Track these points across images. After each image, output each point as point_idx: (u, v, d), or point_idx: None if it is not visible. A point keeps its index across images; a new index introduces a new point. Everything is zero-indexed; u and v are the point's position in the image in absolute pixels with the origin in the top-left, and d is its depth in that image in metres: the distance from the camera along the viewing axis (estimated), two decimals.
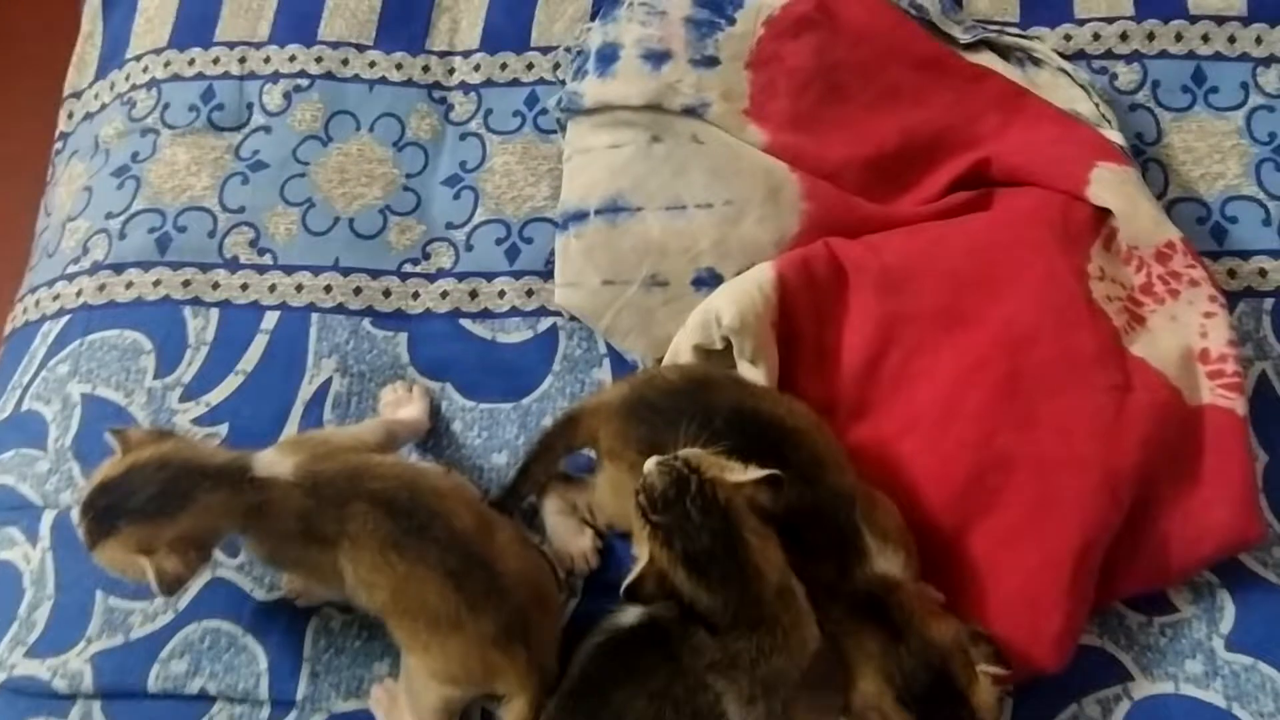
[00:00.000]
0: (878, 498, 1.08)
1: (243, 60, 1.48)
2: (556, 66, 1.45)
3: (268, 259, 1.36)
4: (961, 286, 1.18)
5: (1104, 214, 1.21)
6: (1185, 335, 1.17)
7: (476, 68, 1.47)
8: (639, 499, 0.95)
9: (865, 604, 0.99)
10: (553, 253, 1.31)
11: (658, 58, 1.30)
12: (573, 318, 1.30)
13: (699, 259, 1.26)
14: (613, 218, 1.27)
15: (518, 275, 1.34)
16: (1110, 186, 1.20)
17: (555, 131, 1.40)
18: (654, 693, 0.98)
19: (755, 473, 0.95)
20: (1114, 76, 1.39)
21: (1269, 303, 1.26)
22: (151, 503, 0.99)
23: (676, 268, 1.26)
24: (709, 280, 1.25)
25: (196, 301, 1.34)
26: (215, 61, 1.49)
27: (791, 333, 1.21)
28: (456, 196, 1.39)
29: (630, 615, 1.03)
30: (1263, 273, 1.28)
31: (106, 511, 0.99)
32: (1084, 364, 1.12)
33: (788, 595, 0.95)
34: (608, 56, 1.32)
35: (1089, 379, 1.12)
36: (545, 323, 1.31)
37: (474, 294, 1.33)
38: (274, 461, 1.06)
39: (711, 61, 1.30)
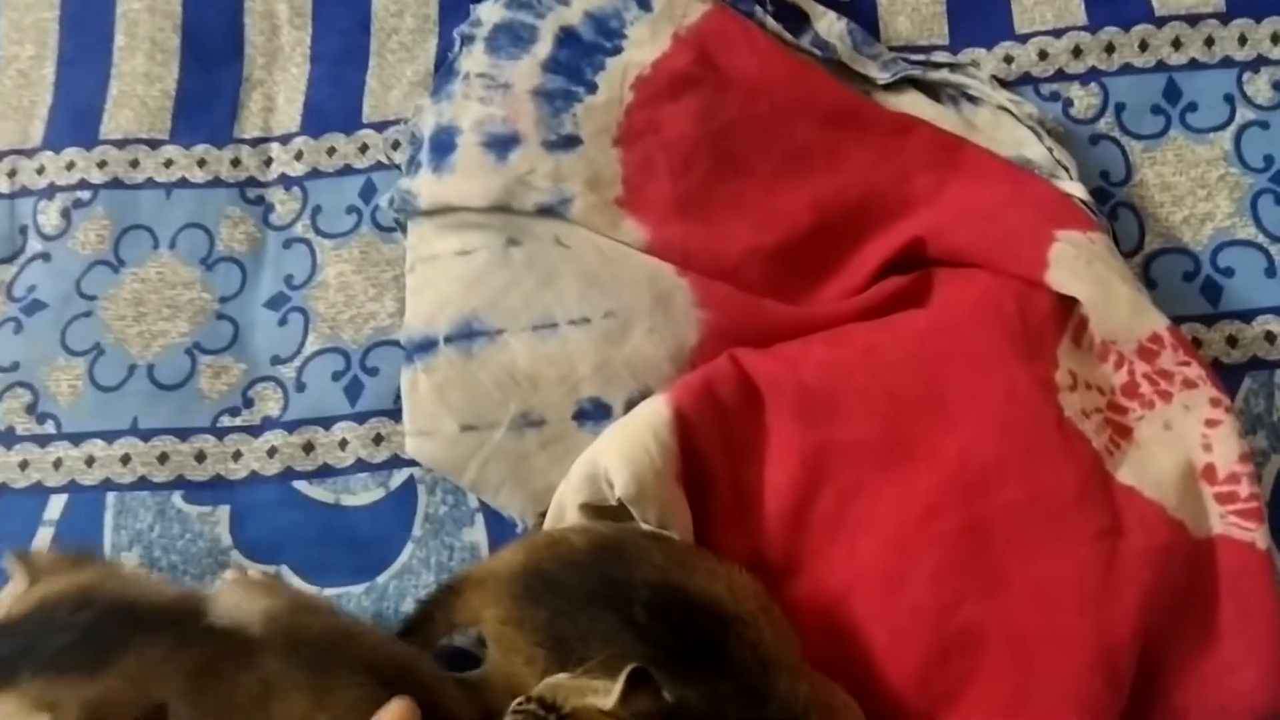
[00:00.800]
0: (838, 707, 0.85)
1: (12, 174, 1.21)
2: (396, 145, 1.19)
3: (49, 427, 1.10)
4: (902, 410, 0.94)
5: (1069, 301, 0.96)
6: (1184, 449, 0.93)
7: (298, 155, 1.20)
8: None
9: None
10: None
11: (503, 143, 1.04)
12: (430, 469, 1.05)
13: (579, 388, 1.01)
14: (467, 345, 1.02)
15: (361, 418, 1.09)
16: (1075, 267, 0.95)
17: (397, 229, 1.15)
18: None
19: (617, 686, 0.72)
20: (1068, 103, 1.15)
21: None
22: (66, 653, 0.77)
23: (552, 401, 1.01)
24: (593, 413, 1.01)
25: None
26: None
27: (701, 477, 0.97)
28: (282, 322, 1.14)
29: None
30: (1270, 337, 1.05)
31: (5, 660, 0.77)
32: (1062, 507, 0.89)
33: None
34: (443, 145, 1.06)
35: (1069, 527, 0.88)
36: (399, 476, 1.06)
37: (309, 447, 1.08)
38: (236, 605, 0.83)
39: (571, 142, 1.05)
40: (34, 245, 1.18)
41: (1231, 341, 1.05)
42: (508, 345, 1.02)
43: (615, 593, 0.84)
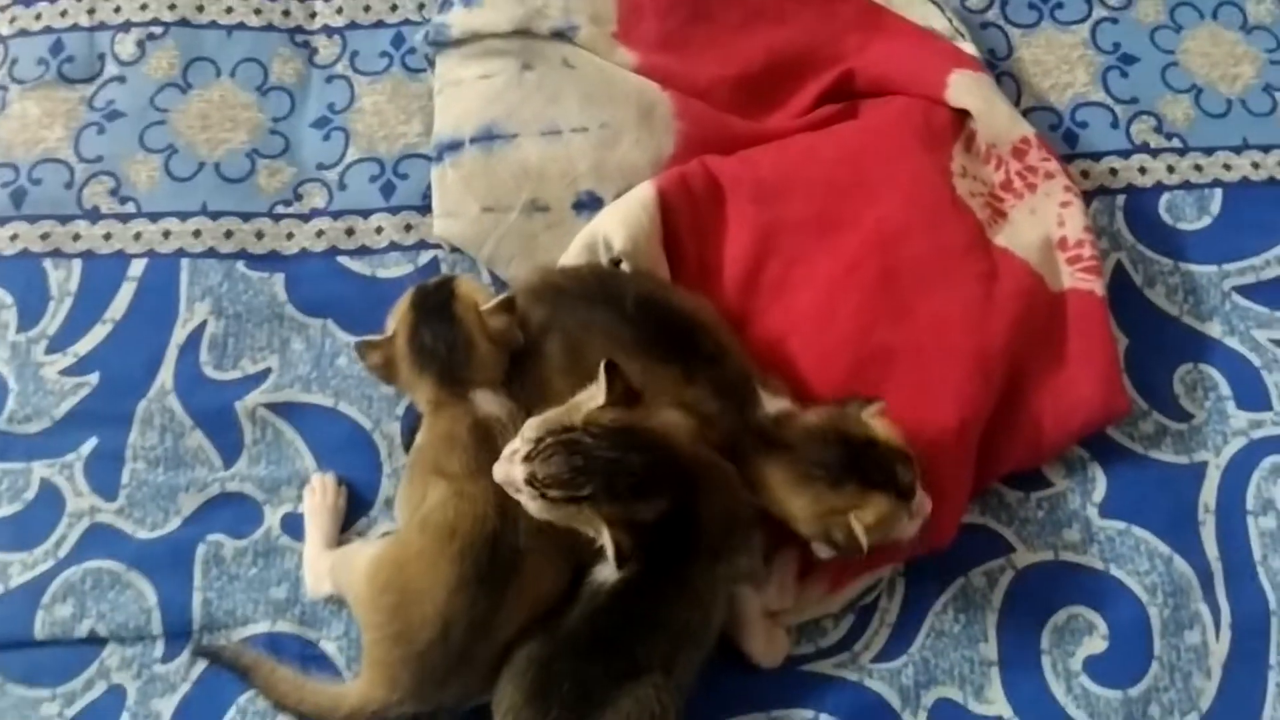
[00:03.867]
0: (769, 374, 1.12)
1: (91, 11, 1.43)
2: (421, 6, 1.44)
3: (130, 207, 1.31)
4: (834, 193, 1.22)
5: (963, 116, 1.25)
6: (1044, 225, 1.22)
7: (339, 10, 1.45)
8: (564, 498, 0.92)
9: (763, 437, 1.02)
10: (429, 188, 1.30)
11: None
12: (454, 249, 1.29)
13: (578, 182, 1.26)
14: (489, 145, 1.27)
15: (394, 211, 1.32)
16: (967, 89, 1.25)
17: (424, 70, 1.39)
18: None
19: (600, 383, 0.94)
20: None
21: (1121, 199, 1.33)
22: None
23: (556, 192, 1.26)
24: (589, 204, 1.26)
25: (57, 254, 1.29)
26: (63, 14, 1.43)
27: (673, 250, 1.22)
28: (326, 138, 1.37)
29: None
30: (1113, 171, 1.35)
31: None
32: (953, 256, 1.17)
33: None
34: None
35: (959, 269, 1.16)
36: (425, 256, 1.30)
37: (350, 231, 1.31)
38: None
39: None
40: (111, 69, 1.40)
41: (1085, 175, 1.35)
42: (521, 146, 1.27)
43: (610, 294, 1.08)
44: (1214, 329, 1.25)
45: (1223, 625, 1.11)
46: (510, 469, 0.92)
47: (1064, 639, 1.10)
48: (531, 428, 0.93)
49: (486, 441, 1.02)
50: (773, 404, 1.05)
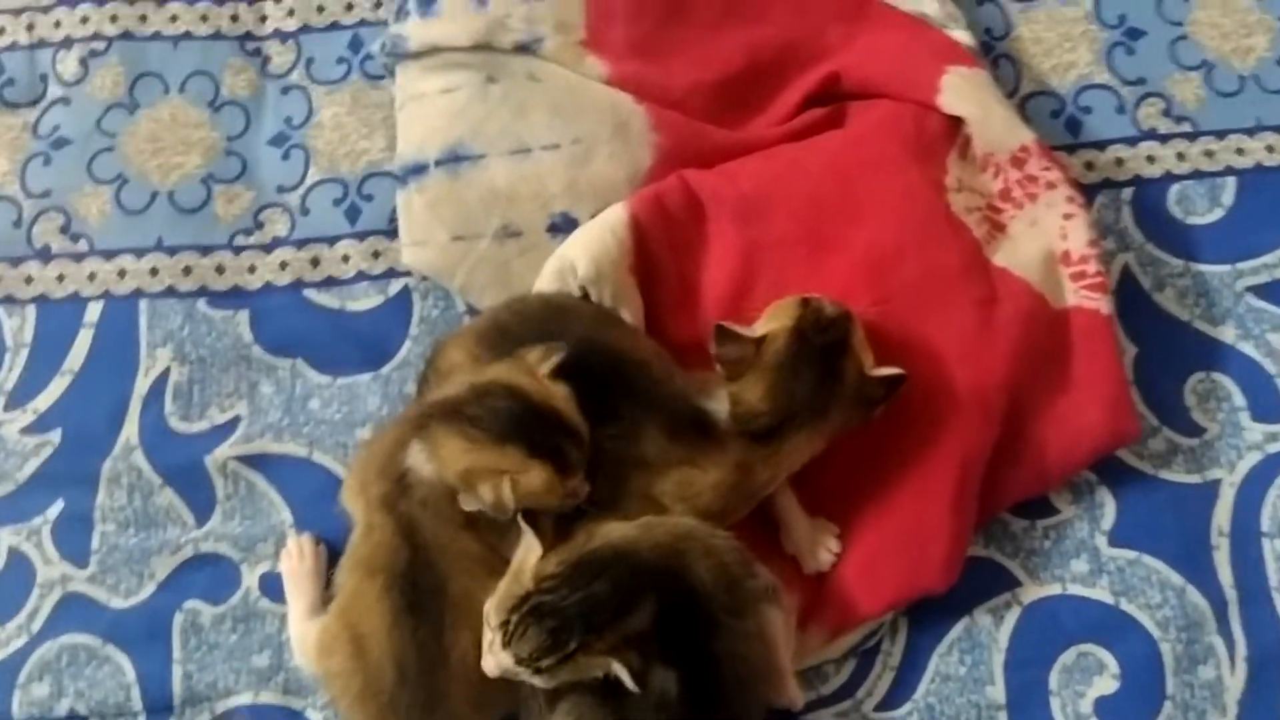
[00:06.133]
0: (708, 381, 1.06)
1: (30, 27, 1.34)
2: (378, 4, 1.35)
3: (83, 245, 1.25)
4: (821, 210, 1.14)
5: (958, 122, 1.17)
6: (1046, 239, 1.15)
7: (290, 12, 1.36)
8: None
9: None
10: (395, 209, 1.23)
11: None
12: (425, 277, 1.22)
13: (551, 204, 1.19)
14: (454, 168, 1.19)
15: (361, 236, 1.26)
16: (961, 93, 1.16)
17: (384, 77, 1.31)
18: None
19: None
20: None
21: (1127, 193, 1.25)
22: None
23: (528, 215, 1.19)
24: (564, 226, 1.19)
25: (9, 300, 1.23)
26: (0, 32, 1.35)
27: (652, 273, 1.16)
28: (285, 157, 1.29)
29: None
30: (1119, 162, 1.27)
31: None
32: (949, 280, 1.10)
33: None
34: None
35: (955, 295, 1.10)
36: (396, 285, 1.24)
37: (316, 261, 1.25)
38: None
39: None
40: (54, 91, 1.32)
41: (1089, 166, 1.27)
42: (489, 167, 1.20)
43: (550, 339, 1.02)
44: (1227, 333, 1.19)
45: (1238, 659, 1.07)
46: (499, 660, 0.88)
47: (1073, 679, 1.06)
48: (492, 614, 0.90)
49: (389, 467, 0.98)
50: (720, 405, 1.00)
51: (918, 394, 1.07)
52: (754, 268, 1.14)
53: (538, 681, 0.88)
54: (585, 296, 1.12)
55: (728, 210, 1.16)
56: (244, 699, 1.08)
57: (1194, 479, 1.13)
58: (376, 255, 1.25)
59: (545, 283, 1.14)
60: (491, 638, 0.89)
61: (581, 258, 1.11)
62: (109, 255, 1.24)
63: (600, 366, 1.02)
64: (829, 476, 1.07)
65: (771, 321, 1.00)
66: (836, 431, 1.01)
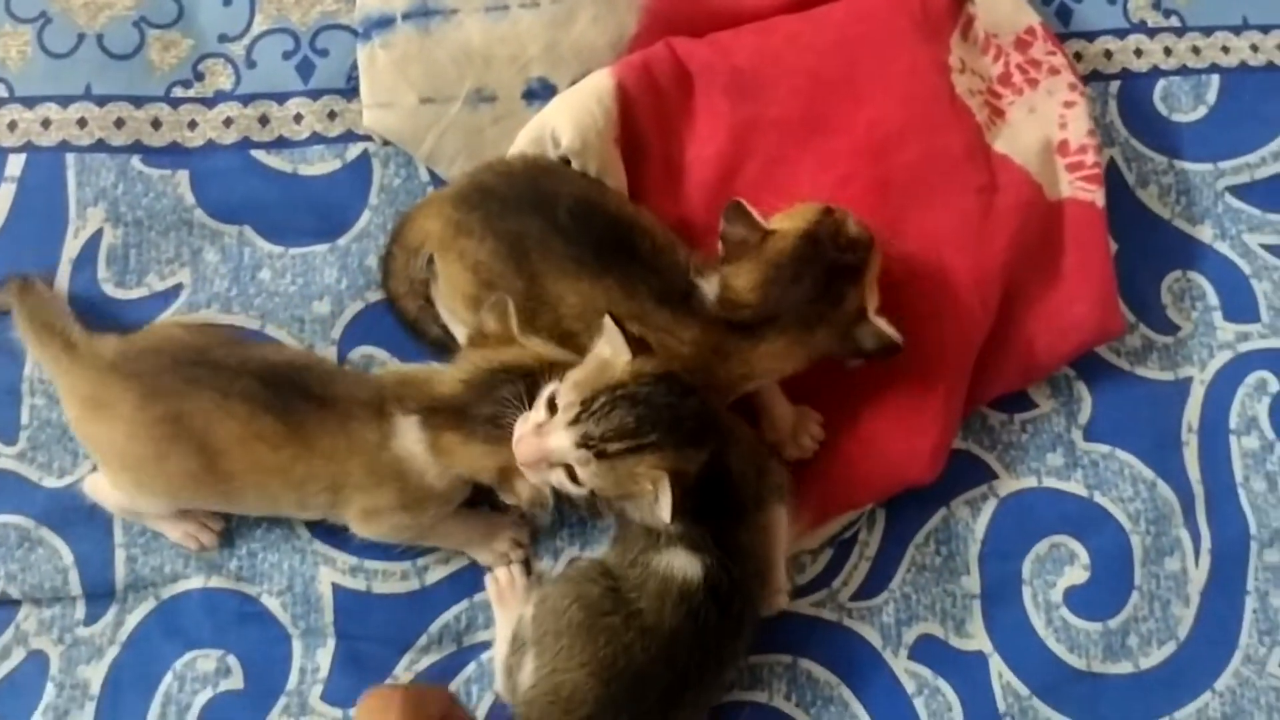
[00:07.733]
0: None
1: None
2: None
3: (1, 91, 1.12)
4: (820, 88, 1.09)
5: (962, 1, 1.12)
6: (1045, 127, 1.12)
7: None
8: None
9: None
10: (354, 67, 1.13)
11: None
12: (387, 142, 1.14)
13: (528, 68, 1.11)
14: (424, 23, 1.10)
15: (315, 95, 1.15)
16: None
17: None
18: None
19: (619, 342, 0.86)
20: None
21: (1115, 85, 1.23)
22: None
23: (504, 79, 1.11)
24: (540, 92, 1.11)
25: None
26: None
27: (636, 147, 1.09)
28: (227, 3, 1.17)
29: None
30: (1108, 54, 1.24)
31: None
32: (951, 164, 1.07)
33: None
34: None
35: (956, 181, 1.06)
36: (355, 149, 1.14)
37: (264, 120, 1.14)
38: None
39: None
40: None
41: (1078, 57, 1.24)
42: (463, 24, 1.10)
43: (541, 198, 0.97)
44: (1205, 233, 1.19)
45: (1202, 551, 1.09)
46: (547, 440, 0.82)
47: (1045, 569, 1.07)
48: (568, 393, 0.84)
49: None
50: (710, 286, 0.95)
51: (915, 281, 1.04)
52: (745, 147, 1.09)
53: (583, 474, 0.83)
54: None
55: (720, 85, 1.10)
56: (194, 584, 1.01)
57: (1167, 376, 1.14)
58: (333, 116, 1.15)
59: (521, 149, 1.07)
60: (546, 419, 0.83)
61: (565, 126, 1.03)
62: (30, 103, 1.12)
63: (601, 226, 0.96)
64: (817, 366, 1.04)
65: (787, 220, 0.94)
66: (816, 357, 0.96)
